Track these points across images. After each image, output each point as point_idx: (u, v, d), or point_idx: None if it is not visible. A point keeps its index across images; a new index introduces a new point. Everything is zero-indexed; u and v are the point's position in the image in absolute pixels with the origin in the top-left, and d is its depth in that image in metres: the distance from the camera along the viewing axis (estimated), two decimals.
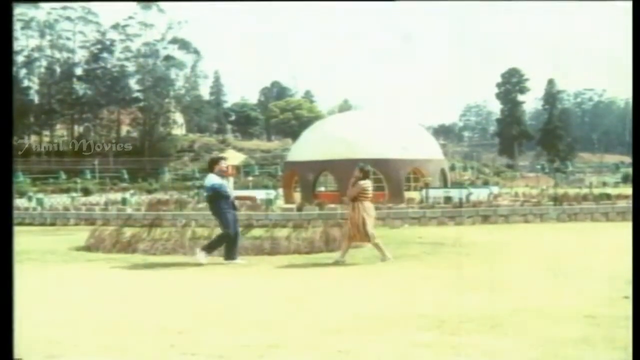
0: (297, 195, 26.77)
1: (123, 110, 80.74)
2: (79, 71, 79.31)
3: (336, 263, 11.72)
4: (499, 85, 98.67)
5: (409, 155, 27.16)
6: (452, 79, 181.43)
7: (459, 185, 31.41)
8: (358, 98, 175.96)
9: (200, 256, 11.75)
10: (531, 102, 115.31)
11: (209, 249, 11.92)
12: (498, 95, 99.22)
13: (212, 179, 12.02)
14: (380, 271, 10.96)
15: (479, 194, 24.97)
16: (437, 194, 24.76)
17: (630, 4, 5.02)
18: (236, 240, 12.06)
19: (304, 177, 26.97)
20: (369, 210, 12.02)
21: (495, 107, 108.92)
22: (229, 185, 12.12)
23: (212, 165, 12.20)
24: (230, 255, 11.94)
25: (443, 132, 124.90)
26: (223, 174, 12.07)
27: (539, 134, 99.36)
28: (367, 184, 12.12)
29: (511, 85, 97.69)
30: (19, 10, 72.23)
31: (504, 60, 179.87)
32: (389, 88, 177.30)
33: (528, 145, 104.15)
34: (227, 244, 11.98)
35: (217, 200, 11.94)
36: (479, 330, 6.60)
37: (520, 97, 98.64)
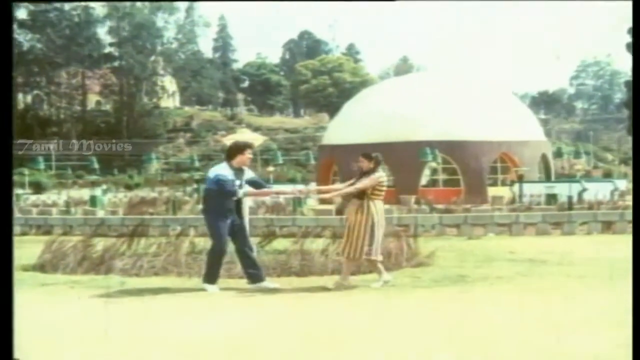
0: None
1: (90, 73, 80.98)
2: (21, 14, 78.65)
3: (339, 287, 11.83)
4: (630, 31, 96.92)
5: (496, 136, 27.03)
6: (559, 27, 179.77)
7: (567, 178, 31.19)
8: (422, 54, 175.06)
9: (210, 288, 11.97)
10: None
11: (209, 276, 12.11)
12: (629, 47, 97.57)
13: (219, 170, 12.17)
14: (455, 298, 10.93)
15: (598, 190, 24.76)
16: (535, 190, 24.61)
17: (630, 4, 5.72)
18: (248, 255, 12.25)
19: (347, 167, 26.96)
20: (381, 214, 12.06)
21: (625, 65, 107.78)
22: (241, 183, 12.17)
23: (232, 153, 12.24)
24: (251, 277, 12.14)
25: (545, 103, 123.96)
26: (241, 167, 12.17)
27: None
28: (382, 177, 12.13)
29: None
30: None
31: None
32: (466, 41, 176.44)
33: None
34: (243, 263, 12.20)
35: (215, 199, 12.08)
36: None
37: None
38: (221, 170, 12.10)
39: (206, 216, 12.31)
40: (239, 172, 12.10)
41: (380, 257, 12.11)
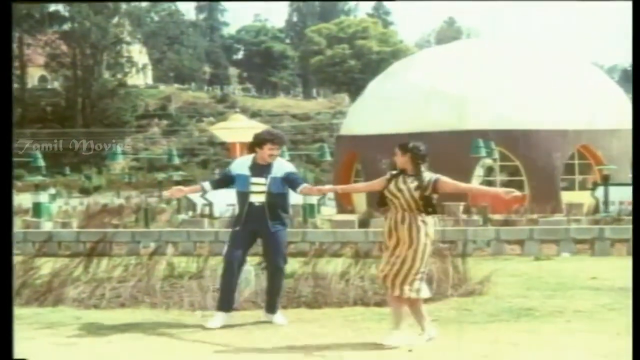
0: (360, 198, 26.81)
1: (30, 39, 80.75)
2: None
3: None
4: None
5: (572, 124, 26.99)
6: None
7: None
8: (473, 16, 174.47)
9: (216, 321, 12.02)
10: None
11: (219, 301, 12.23)
12: None
13: (236, 161, 12.75)
14: (518, 338, 10.90)
15: None
16: (627, 195, 24.47)
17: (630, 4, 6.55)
18: (268, 277, 12.44)
19: (373, 165, 27.00)
20: (431, 228, 11.07)
21: None
22: (266, 181, 12.25)
23: (250, 146, 12.61)
24: (269, 304, 12.33)
25: None
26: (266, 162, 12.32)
27: None
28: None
29: None
30: None
31: None
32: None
33: None
34: (269, 286, 12.32)
35: (238, 202, 12.46)
36: None
37: None
38: (237, 162, 12.67)
39: None
40: (262, 167, 12.27)
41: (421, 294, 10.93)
